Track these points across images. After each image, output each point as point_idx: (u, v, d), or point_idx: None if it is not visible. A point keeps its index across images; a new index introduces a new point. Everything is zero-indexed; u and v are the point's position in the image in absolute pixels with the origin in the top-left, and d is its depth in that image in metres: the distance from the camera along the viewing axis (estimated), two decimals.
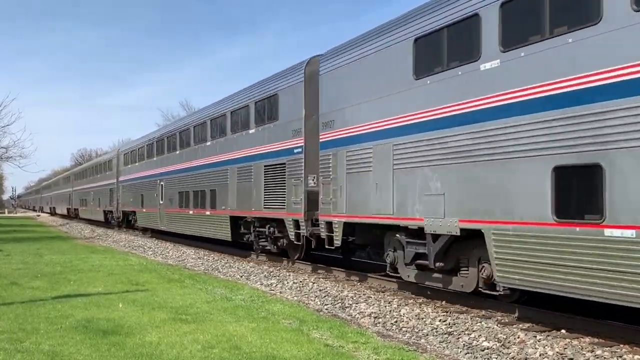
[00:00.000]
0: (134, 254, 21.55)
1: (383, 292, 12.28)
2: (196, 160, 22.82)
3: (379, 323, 9.51)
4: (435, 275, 10.80)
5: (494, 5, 9.02)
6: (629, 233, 6.98)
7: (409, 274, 11.42)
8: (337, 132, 13.25)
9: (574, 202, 7.88)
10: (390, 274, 12.09)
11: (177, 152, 25.52)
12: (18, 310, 9.51)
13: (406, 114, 10.89)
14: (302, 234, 15.04)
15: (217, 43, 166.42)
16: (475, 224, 9.31)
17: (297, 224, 15.22)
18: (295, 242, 15.64)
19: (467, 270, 10.16)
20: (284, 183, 15.75)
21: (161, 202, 27.09)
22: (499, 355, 7.57)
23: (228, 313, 9.49)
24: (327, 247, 13.75)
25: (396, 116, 11.21)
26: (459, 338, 8.44)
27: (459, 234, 9.69)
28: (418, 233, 10.76)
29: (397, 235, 11.53)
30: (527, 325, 8.97)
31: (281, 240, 16.76)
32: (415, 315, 9.89)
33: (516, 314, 9.51)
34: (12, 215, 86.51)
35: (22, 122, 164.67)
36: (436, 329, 9.01)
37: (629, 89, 7.15)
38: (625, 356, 7.30)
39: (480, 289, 9.90)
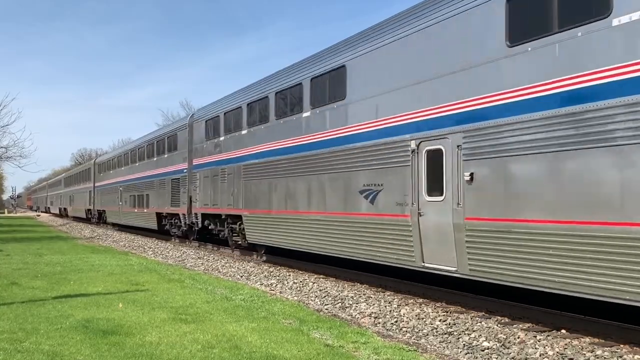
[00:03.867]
0: (134, 254, 21.56)
1: (383, 292, 12.28)
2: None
3: (379, 323, 9.51)
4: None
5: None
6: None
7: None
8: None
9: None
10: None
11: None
12: (18, 310, 9.52)
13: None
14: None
15: (219, 43, 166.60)
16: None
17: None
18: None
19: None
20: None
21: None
22: (499, 355, 7.57)
23: (228, 313, 9.49)
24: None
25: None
26: (459, 338, 8.44)
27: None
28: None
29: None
30: (527, 325, 8.97)
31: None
32: (415, 315, 9.89)
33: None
34: (12, 215, 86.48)
35: (22, 122, 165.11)
36: (436, 329, 9.01)
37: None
38: (625, 356, 7.30)
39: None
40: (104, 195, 41.78)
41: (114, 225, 40.37)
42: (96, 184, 44.95)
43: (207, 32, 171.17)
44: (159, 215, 27.93)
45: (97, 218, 45.25)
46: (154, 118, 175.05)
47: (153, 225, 28.78)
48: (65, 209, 65.85)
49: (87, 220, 49.99)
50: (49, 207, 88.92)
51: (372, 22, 15.29)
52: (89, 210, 48.14)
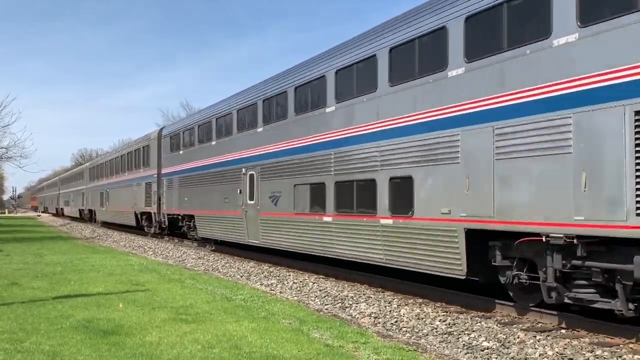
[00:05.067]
0: (134, 254, 21.57)
1: (383, 292, 12.28)
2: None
3: (379, 323, 9.52)
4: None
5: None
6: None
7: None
8: None
9: None
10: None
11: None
12: (18, 310, 9.52)
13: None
14: None
15: (219, 43, 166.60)
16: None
17: None
18: None
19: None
20: None
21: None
22: (499, 355, 7.58)
23: (228, 313, 9.50)
24: None
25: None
26: (459, 338, 8.45)
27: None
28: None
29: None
30: (527, 325, 8.98)
31: None
32: (415, 315, 9.90)
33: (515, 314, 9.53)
34: (12, 215, 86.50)
35: (23, 122, 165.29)
36: (436, 329, 9.01)
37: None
38: (625, 356, 7.31)
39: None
40: (190, 188, 23.36)
41: (205, 242, 23.37)
42: (165, 170, 26.84)
43: (207, 32, 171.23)
44: (474, 237, 9.75)
45: (161, 227, 27.99)
46: (154, 118, 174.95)
47: (442, 262, 10.25)
48: (90, 210, 47.97)
49: (138, 229, 32.32)
50: (61, 209, 69.88)
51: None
52: (143, 214, 30.27)
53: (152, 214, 28.47)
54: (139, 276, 14.17)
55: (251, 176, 17.82)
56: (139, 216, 31.16)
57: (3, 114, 36.18)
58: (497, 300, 10.19)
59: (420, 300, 11.21)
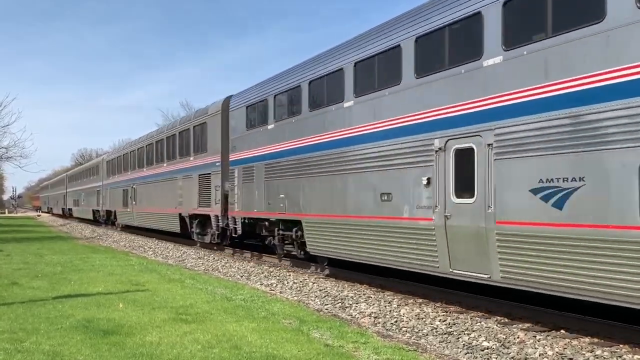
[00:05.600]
0: (134, 254, 21.57)
1: (383, 292, 12.28)
2: None
3: (379, 323, 9.52)
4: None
5: None
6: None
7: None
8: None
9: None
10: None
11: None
12: (18, 310, 9.53)
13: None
14: None
15: (219, 43, 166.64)
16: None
17: None
18: None
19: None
20: None
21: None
22: (498, 355, 7.58)
23: (228, 313, 9.50)
24: None
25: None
26: (458, 338, 8.45)
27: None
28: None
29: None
30: (527, 325, 8.98)
31: None
32: (415, 315, 9.90)
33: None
34: (12, 215, 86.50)
35: (23, 122, 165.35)
36: (436, 329, 9.02)
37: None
38: (625, 356, 7.31)
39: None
40: (287, 180, 15.54)
41: (321, 264, 15.22)
42: (237, 156, 18.79)
43: (207, 32, 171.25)
44: None
45: (224, 236, 20.64)
46: (154, 118, 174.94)
47: None
48: (109, 212, 39.92)
49: (184, 237, 24.96)
50: (69, 209, 59.89)
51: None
52: (195, 217, 22.66)
53: (212, 217, 20.71)
54: (139, 276, 14.18)
55: (463, 153, 9.70)
56: (187, 219, 23.40)
57: (3, 113, 36.25)
58: (497, 300, 10.17)
59: (420, 300, 11.21)
